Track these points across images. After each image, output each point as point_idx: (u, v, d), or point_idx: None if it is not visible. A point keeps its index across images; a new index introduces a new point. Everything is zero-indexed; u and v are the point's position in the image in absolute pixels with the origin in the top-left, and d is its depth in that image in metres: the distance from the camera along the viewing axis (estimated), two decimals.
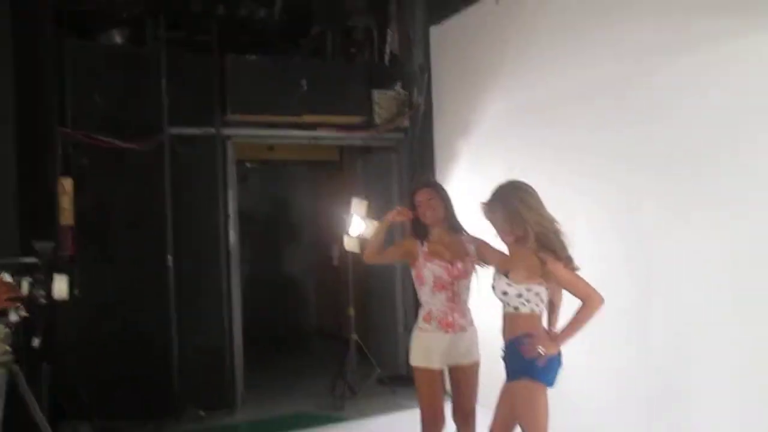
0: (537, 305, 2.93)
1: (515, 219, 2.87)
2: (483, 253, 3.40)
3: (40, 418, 3.29)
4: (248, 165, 8.31)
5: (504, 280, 2.92)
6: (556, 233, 2.89)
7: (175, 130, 5.54)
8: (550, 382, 2.88)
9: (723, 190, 3.54)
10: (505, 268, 2.98)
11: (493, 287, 2.98)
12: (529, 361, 2.83)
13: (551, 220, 2.91)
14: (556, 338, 2.93)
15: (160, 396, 5.37)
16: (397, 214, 3.43)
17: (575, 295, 2.85)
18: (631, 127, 4.04)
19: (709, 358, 3.64)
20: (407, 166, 6.35)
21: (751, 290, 3.47)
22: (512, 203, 2.90)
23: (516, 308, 2.93)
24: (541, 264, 2.83)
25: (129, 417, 5.18)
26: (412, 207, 3.45)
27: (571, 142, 4.49)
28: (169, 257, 5.47)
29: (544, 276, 2.87)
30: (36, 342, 3.27)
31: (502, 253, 3.21)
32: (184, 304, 5.51)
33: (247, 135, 5.95)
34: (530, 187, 2.96)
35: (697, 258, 3.69)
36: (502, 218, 2.92)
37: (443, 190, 3.56)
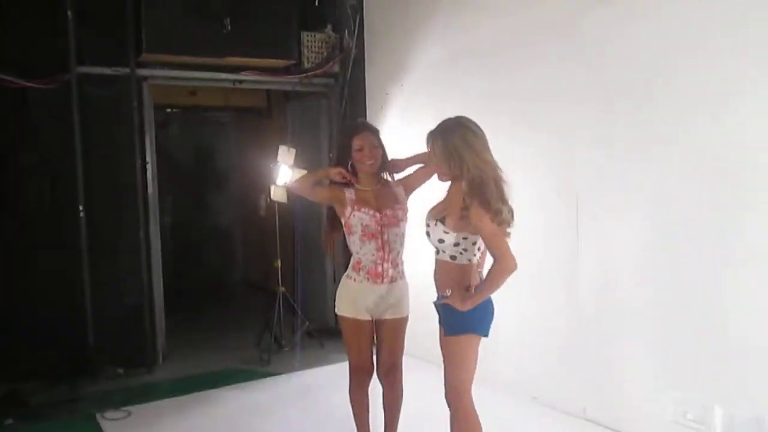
0: (474, 254, 2.83)
1: (453, 156, 2.72)
2: (409, 183, 3.34)
3: None
4: (169, 111, 8.06)
5: (441, 227, 2.79)
6: (496, 181, 2.73)
7: (84, 69, 5.22)
8: (484, 332, 2.82)
9: (656, 128, 3.55)
10: (440, 212, 2.84)
11: (428, 234, 2.86)
12: (461, 314, 2.75)
13: (494, 167, 2.76)
14: (470, 298, 2.80)
15: (73, 354, 5.18)
16: (338, 174, 3.27)
17: (489, 250, 2.74)
18: (568, 70, 3.99)
19: (636, 301, 3.71)
20: (337, 113, 6.20)
21: (675, 229, 3.51)
22: (453, 139, 2.75)
23: (453, 257, 2.82)
24: (465, 207, 2.70)
25: (38, 377, 4.98)
26: (347, 151, 3.27)
27: (507, 89, 4.44)
28: (81, 207, 5.23)
29: (466, 220, 2.74)
30: None
31: (423, 172, 3.22)
32: (98, 257, 5.31)
33: (165, 77, 5.62)
34: (478, 128, 2.80)
35: (625, 198, 3.72)
36: (440, 153, 2.76)
37: (380, 138, 3.39)
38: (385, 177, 3.33)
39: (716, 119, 3.29)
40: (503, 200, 2.72)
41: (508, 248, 2.67)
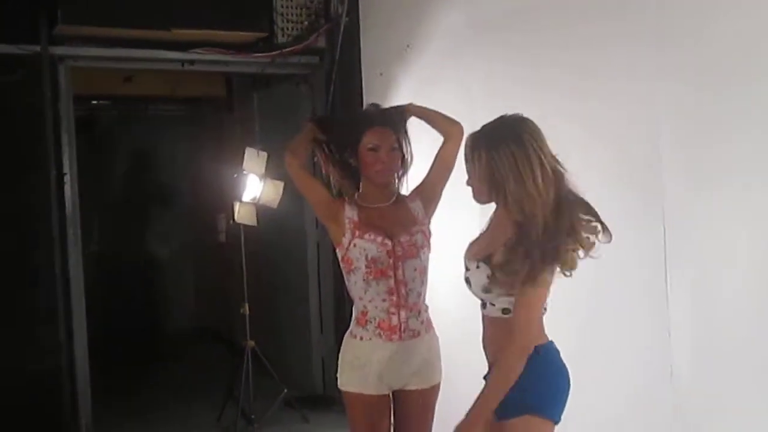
0: None
1: (494, 183, 2.37)
2: (428, 189, 3.04)
3: None
4: (95, 103, 7.55)
5: (485, 270, 2.41)
6: (553, 233, 2.32)
7: None
8: (555, 416, 2.46)
9: None
10: (483, 249, 2.48)
11: (467, 281, 2.52)
12: (529, 389, 2.37)
13: (554, 213, 2.34)
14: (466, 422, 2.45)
15: None
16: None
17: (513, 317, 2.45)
18: (641, 38, 3.35)
19: (754, 362, 3.02)
20: (323, 103, 5.54)
21: None
22: (498, 157, 2.36)
23: (505, 311, 2.47)
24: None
25: None
26: (353, 149, 2.94)
27: (559, 65, 3.76)
28: None
29: None
30: None
31: (444, 165, 3.00)
32: None
33: (89, 56, 5.07)
34: (539, 142, 2.37)
35: (736, 213, 3.04)
36: (479, 174, 2.41)
37: (404, 127, 3.03)
38: (398, 188, 3.05)
39: None
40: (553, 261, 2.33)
41: (533, 322, 2.41)
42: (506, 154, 2.33)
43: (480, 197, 2.51)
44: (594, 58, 3.54)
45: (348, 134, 2.92)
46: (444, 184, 3.05)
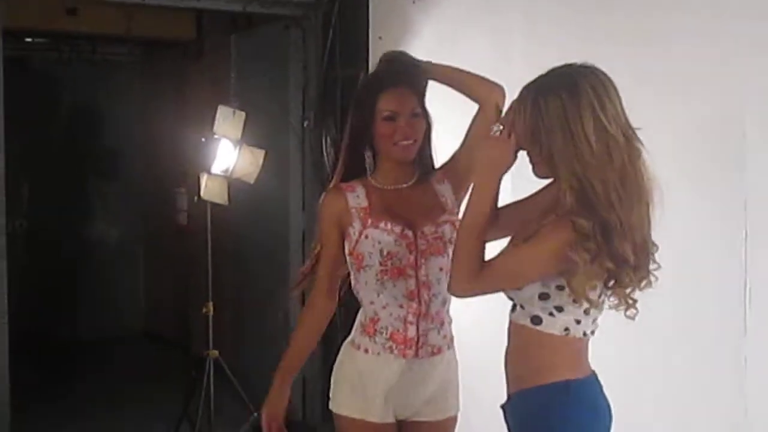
0: (578, 321, 2.16)
1: (537, 140, 2.05)
2: (458, 168, 2.68)
3: None
4: (29, 41, 7.12)
5: None
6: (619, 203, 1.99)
7: None
8: None
9: None
10: (524, 231, 2.18)
11: None
12: (562, 423, 2.13)
13: (623, 174, 2.00)
14: None
15: None
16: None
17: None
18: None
19: None
20: (318, 54, 5.04)
21: None
22: (544, 106, 2.04)
23: (536, 319, 2.17)
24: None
25: None
26: (369, 121, 2.56)
27: (629, 28, 3.40)
28: None
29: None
30: None
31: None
32: None
33: None
34: (606, 96, 2.03)
35: None
36: (522, 130, 2.09)
37: (425, 87, 2.68)
38: (425, 168, 2.71)
39: None
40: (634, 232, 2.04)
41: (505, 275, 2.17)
42: (555, 103, 2.07)
43: (538, 167, 2.23)
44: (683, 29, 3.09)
45: (362, 102, 2.59)
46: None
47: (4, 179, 4.49)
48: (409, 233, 2.57)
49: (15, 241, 5.24)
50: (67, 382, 6.28)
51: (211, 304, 4.75)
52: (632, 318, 2.19)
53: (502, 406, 2.29)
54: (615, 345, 2.88)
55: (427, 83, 2.70)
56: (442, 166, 2.76)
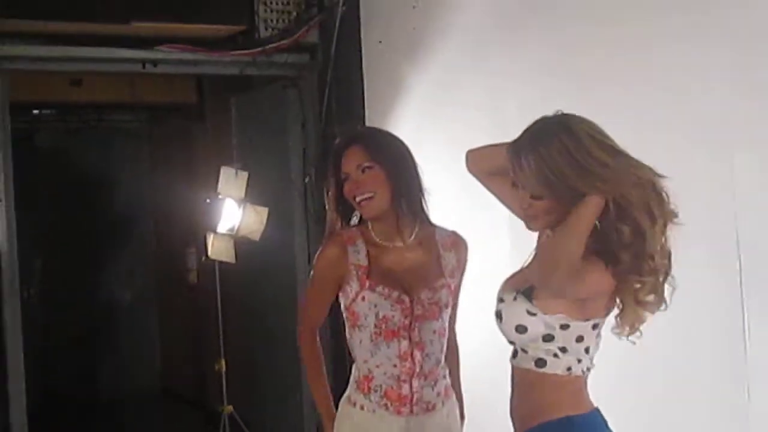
0: (580, 360, 2.16)
1: (550, 184, 2.03)
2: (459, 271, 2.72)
3: None
4: (37, 112, 7.18)
5: (524, 303, 2.13)
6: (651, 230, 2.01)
7: None
8: None
9: None
10: (526, 281, 2.17)
11: (499, 315, 2.21)
12: None
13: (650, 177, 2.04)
14: None
15: None
16: None
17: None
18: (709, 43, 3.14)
19: None
20: (316, 112, 5.04)
21: None
22: (548, 153, 2.02)
23: (539, 362, 2.16)
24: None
25: None
26: (336, 183, 2.65)
27: (604, 66, 3.46)
28: None
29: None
30: None
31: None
32: None
33: (30, 56, 4.67)
34: (600, 135, 2.06)
35: None
36: (530, 182, 2.06)
37: (393, 146, 2.68)
38: (424, 222, 2.68)
39: None
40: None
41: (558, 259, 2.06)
42: (556, 145, 2.08)
43: (534, 219, 2.20)
44: (658, 48, 3.15)
45: (333, 171, 2.64)
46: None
47: (17, 251, 4.51)
48: (406, 299, 2.57)
49: (29, 308, 5.23)
50: None
51: (223, 360, 4.82)
52: (634, 342, 2.18)
53: None
54: (616, 377, 2.89)
55: (384, 139, 2.73)
56: (455, 239, 2.73)
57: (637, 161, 2.07)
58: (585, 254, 2.06)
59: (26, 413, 4.53)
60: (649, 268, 2.04)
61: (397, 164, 2.58)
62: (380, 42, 4.79)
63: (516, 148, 2.12)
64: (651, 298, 2.08)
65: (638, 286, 2.07)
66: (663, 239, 2.06)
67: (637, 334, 2.15)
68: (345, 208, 2.62)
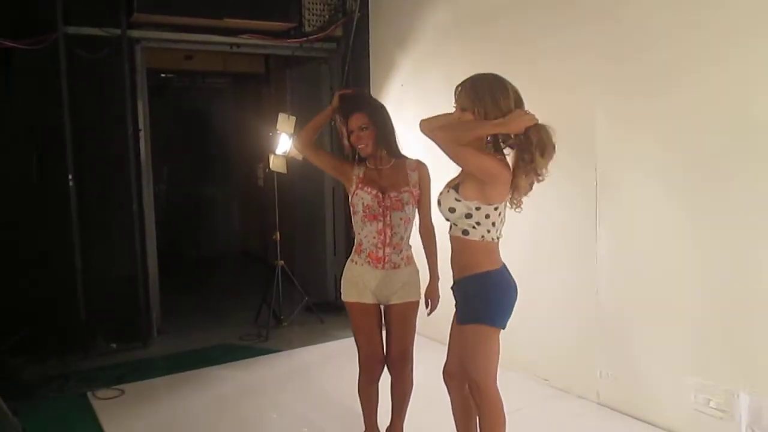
0: (488, 231, 2.60)
1: (480, 98, 2.54)
2: (423, 183, 3.15)
3: None
4: (164, 75, 7.83)
5: (453, 194, 2.61)
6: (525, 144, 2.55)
7: (72, 30, 4.96)
8: (502, 325, 2.65)
9: (682, 99, 3.32)
10: (456, 180, 2.67)
11: (439, 203, 2.68)
12: (481, 304, 2.60)
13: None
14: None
15: (65, 328, 5.01)
16: (338, 99, 3.15)
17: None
18: (582, 30, 3.78)
19: (657, 283, 3.54)
20: (339, 80, 5.92)
21: (699, 207, 3.30)
22: (485, 82, 2.56)
23: (465, 231, 2.62)
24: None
25: (27, 353, 4.77)
26: (347, 131, 3.12)
27: (521, 53, 4.15)
28: (70, 177, 5.01)
29: (483, 188, 2.54)
30: None
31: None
32: (89, 228, 5.11)
33: (159, 39, 5.36)
34: (517, 90, 2.60)
35: (647, 176, 3.52)
36: (466, 96, 2.56)
37: (380, 112, 3.15)
38: (397, 156, 3.13)
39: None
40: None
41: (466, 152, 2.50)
42: (488, 81, 2.54)
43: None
44: (548, 48, 3.95)
45: (343, 122, 3.15)
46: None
47: (151, 163, 5.43)
48: (380, 195, 3.07)
49: (159, 201, 5.87)
50: (194, 284, 7.35)
51: (278, 233, 5.61)
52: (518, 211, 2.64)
53: (452, 287, 2.75)
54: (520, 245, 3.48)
55: (375, 101, 3.24)
56: (419, 166, 3.14)
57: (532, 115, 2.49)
58: (498, 156, 2.51)
59: (156, 257, 5.47)
60: (534, 175, 2.53)
61: (381, 125, 3.08)
62: (382, 39, 5.51)
63: (462, 82, 2.59)
64: (528, 188, 2.57)
65: (523, 181, 2.53)
66: (545, 164, 2.51)
67: (520, 209, 2.66)
68: (352, 148, 3.14)
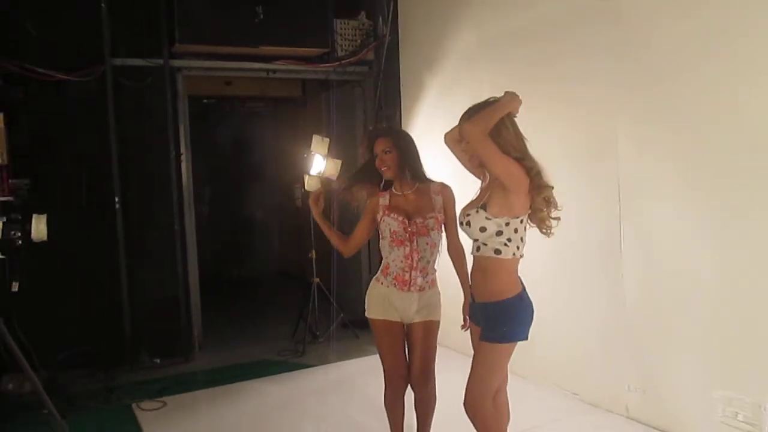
0: (518, 247, 2.63)
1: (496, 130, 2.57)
2: (448, 205, 3.18)
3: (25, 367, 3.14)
4: (205, 101, 7.99)
5: (482, 213, 2.60)
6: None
7: (119, 61, 5.20)
8: (525, 337, 2.68)
9: (702, 106, 3.35)
10: (480, 200, 2.68)
11: (468, 223, 2.64)
12: (508, 327, 2.62)
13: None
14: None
15: (111, 344, 5.19)
16: (314, 202, 3.28)
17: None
18: (609, 54, 3.81)
19: (683, 293, 3.53)
20: (372, 102, 6.05)
21: (725, 217, 3.30)
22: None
23: (497, 251, 2.60)
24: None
25: (76, 367, 4.97)
26: (373, 155, 3.18)
27: (544, 74, 4.21)
28: (116, 200, 5.21)
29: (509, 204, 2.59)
30: (15, 287, 3.10)
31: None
32: (134, 249, 5.30)
33: (199, 67, 5.55)
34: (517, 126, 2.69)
35: (670, 184, 3.55)
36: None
37: (403, 137, 3.22)
38: (422, 180, 3.16)
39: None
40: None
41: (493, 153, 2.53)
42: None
43: (476, 168, 2.71)
44: (572, 70, 4.00)
45: (369, 146, 3.22)
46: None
47: (193, 185, 5.52)
48: (406, 221, 3.09)
49: (200, 222, 5.89)
50: (234, 302, 7.47)
51: (314, 251, 5.68)
52: (548, 236, 2.67)
53: (472, 305, 2.80)
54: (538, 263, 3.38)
55: (400, 130, 3.40)
56: (443, 189, 3.16)
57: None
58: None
59: (198, 278, 5.57)
60: (546, 208, 2.62)
61: (404, 150, 3.12)
62: (412, 61, 5.61)
63: (467, 112, 2.66)
64: (545, 214, 2.64)
65: (541, 213, 2.61)
66: (552, 204, 2.62)
67: (552, 232, 2.66)
68: (376, 171, 3.17)
